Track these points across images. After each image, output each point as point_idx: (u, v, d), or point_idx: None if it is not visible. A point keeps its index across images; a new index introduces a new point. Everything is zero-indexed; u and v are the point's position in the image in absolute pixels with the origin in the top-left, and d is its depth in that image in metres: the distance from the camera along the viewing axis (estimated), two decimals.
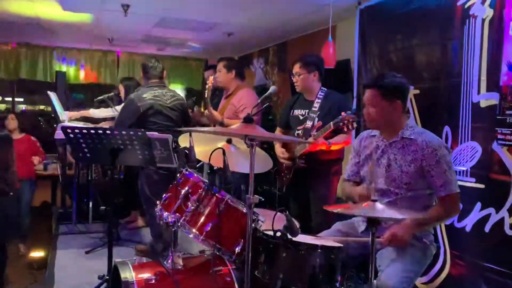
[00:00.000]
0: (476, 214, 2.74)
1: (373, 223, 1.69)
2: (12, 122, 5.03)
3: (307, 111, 3.31)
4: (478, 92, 2.75)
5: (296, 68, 3.29)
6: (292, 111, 3.44)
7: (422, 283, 3.16)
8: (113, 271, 2.16)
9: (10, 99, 9.68)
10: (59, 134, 4.16)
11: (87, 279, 3.30)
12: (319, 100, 3.27)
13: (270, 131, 4.53)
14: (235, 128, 1.77)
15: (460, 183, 2.79)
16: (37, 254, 4.67)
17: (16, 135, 5.00)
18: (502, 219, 2.56)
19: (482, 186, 2.72)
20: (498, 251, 2.61)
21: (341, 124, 2.84)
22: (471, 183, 2.78)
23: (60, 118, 4.37)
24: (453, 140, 2.92)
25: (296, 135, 3.31)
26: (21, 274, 4.21)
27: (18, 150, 4.57)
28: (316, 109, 3.24)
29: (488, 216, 2.66)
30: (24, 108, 10.13)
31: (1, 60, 7.34)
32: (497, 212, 2.60)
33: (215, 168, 1.92)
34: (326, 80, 3.44)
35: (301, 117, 3.34)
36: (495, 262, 2.62)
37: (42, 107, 11.21)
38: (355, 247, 2.20)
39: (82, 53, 7.71)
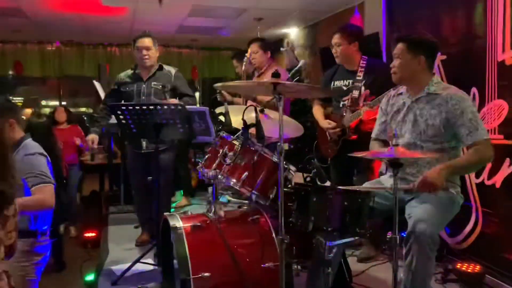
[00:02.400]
0: (505, 170, 2.81)
1: (395, 166, 1.83)
2: (61, 115, 5.49)
3: (350, 81, 3.30)
4: (503, 51, 2.81)
5: (336, 39, 3.30)
6: (332, 82, 3.43)
7: (456, 243, 3.25)
8: (164, 232, 2.38)
9: (57, 103, 10.33)
10: None
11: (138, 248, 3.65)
12: (363, 69, 3.26)
13: (303, 112, 4.58)
14: (265, 81, 1.94)
15: None
16: (90, 234, 4.98)
17: (64, 126, 5.48)
18: None
19: (510, 142, 2.79)
20: None
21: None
22: (499, 140, 2.85)
23: None
24: (480, 100, 2.99)
25: (341, 106, 3.32)
26: (76, 254, 4.52)
27: (66, 139, 5.13)
28: (360, 77, 3.24)
29: None
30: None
31: (47, 59, 7.85)
32: None
33: (248, 124, 2.11)
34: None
35: (344, 88, 3.33)
36: None
37: (83, 109, 11.94)
38: (381, 202, 2.31)
39: (121, 48, 8.11)
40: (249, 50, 4.13)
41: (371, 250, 3.31)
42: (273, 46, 4.30)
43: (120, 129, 3.56)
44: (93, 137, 3.77)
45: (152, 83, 3.72)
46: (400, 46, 2.40)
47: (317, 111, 3.55)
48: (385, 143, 2.61)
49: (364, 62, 3.30)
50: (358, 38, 3.33)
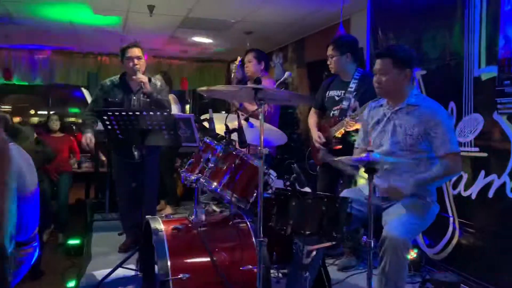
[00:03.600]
0: (480, 181, 2.91)
1: (370, 171, 1.90)
2: (55, 123, 5.65)
3: (343, 91, 3.35)
4: (479, 67, 2.93)
5: (329, 51, 3.37)
6: (327, 92, 3.48)
7: (434, 254, 3.33)
8: (146, 236, 2.40)
9: (45, 112, 10.31)
10: None
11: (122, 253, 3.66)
12: (356, 81, 3.31)
13: (290, 124, 4.68)
14: (247, 86, 2.01)
15: (465, 153, 3.00)
16: (74, 242, 4.96)
17: (58, 134, 5.64)
18: (504, 184, 2.72)
19: (485, 154, 2.89)
20: (501, 215, 2.77)
21: None
22: (475, 152, 2.95)
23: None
24: (458, 114, 3.10)
25: (331, 115, 3.38)
26: (59, 261, 4.49)
27: (58, 147, 5.35)
28: (352, 89, 3.30)
29: (491, 183, 2.82)
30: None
31: (37, 67, 7.86)
32: (499, 177, 2.76)
33: (231, 129, 2.17)
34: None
35: (337, 98, 3.39)
36: (499, 226, 2.78)
37: (72, 119, 11.95)
38: (358, 209, 2.35)
39: (112, 57, 8.16)
40: (238, 59, 4.19)
41: (351, 259, 3.37)
42: (268, 59, 4.36)
43: (106, 136, 3.58)
44: (89, 136, 3.70)
45: (142, 95, 3.73)
46: (385, 61, 2.46)
47: (311, 119, 3.59)
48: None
49: (359, 74, 3.35)
50: (351, 50, 3.37)
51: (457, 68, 3.10)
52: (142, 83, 3.61)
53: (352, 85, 3.31)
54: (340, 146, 3.24)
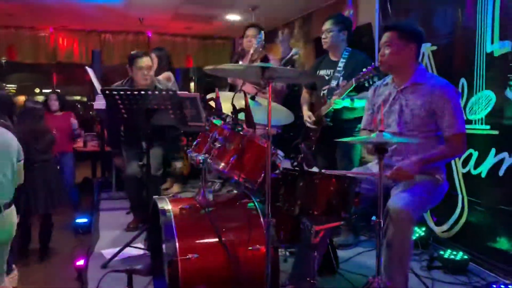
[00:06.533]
0: (491, 159, 2.86)
1: (380, 150, 1.87)
2: (54, 103, 5.60)
3: (332, 71, 3.40)
4: (492, 42, 2.85)
5: (328, 25, 3.41)
6: (318, 71, 3.52)
7: (442, 232, 3.31)
8: (153, 216, 2.40)
9: (49, 90, 10.27)
10: (98, 104, 4.50)
11: (129, 232, 3.68)
12: (344, 60, 3.36)
13: (296, 101, 4.66)
14: (253, 65, 1.96)
15: (475, 131, 2.95)
16: (81, 220, 4.99)
17: (58, 113, 5.59)
18: None
19: (496, 132, 2.83)
20: None
21: (362, 80, 2.98)
22: (486, 130, 2.90)
23: (98, 91, 4.68)
24: (469, 91, 3.03)
25: (322, 95, 3.41)
26: (66, 240, 4.52)
27: (59, 126, 5.20)
28: (340, 68, 3.34)
29: (502, 161, 2.78)
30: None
31: (40, 45, 7.79)
32: (510, 155, 2.72)
33: (238, 108, 2.14)
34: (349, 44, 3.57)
35: (326, 77, 3.41)
36: (510, 205, 2.75)
37: (78, 97, 11.94)
38: (367, 188, 2.33)
39: (115, 35, 8.06)
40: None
41: (349, 237, 3.36)
42: (268, 36, 4.23)
43: (109, 116, 3.50)
44: None
45: None
46: (390, 34, 2.41)
47: (303, 99, 3.66)
48: (372, 133, 2.65)
49: (347, 53, 3.40)
50: (347, 28, 3.44)
51: (468, 44, 3.02)
52: None
53: (341, 64, 3.37)
54: (331, 123, 3.30)
